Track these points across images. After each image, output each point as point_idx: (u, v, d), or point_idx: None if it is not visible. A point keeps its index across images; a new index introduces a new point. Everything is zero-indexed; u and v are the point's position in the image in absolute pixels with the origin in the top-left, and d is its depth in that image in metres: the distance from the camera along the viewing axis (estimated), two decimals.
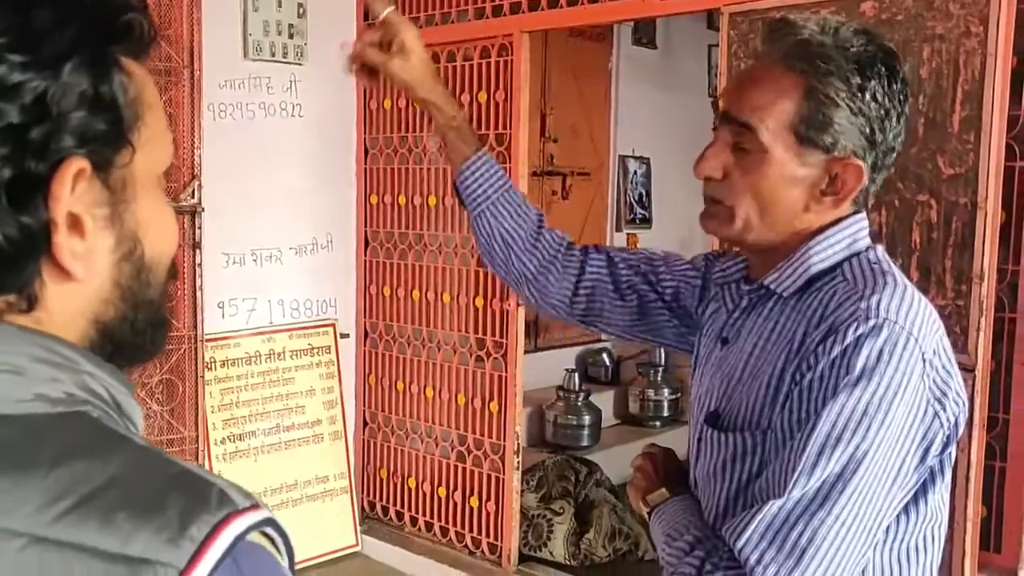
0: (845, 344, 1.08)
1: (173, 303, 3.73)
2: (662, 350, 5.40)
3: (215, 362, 3.94)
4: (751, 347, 1.22)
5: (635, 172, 6.28)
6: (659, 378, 5.57)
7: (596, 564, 4.02)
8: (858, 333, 1.08)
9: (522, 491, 4.03)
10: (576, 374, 5.23)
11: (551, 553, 4.02)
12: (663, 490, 1.33)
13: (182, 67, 3.67)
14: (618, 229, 6.25)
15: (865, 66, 1.15)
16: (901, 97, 1.18)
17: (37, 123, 0.59)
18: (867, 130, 1.16)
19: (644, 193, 6.37)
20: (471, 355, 4.02)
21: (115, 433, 0.63)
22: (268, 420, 4.12)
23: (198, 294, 3.75)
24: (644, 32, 6.16)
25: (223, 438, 3.97)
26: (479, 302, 3.96)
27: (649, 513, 1.34)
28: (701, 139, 3.32)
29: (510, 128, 3.80)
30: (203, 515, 0.58)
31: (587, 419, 5.08)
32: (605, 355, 5.88)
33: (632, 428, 5.57)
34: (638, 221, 6.33)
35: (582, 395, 5.13)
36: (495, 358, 3.92)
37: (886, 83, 1.16)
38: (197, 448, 3.81)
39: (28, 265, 0.62)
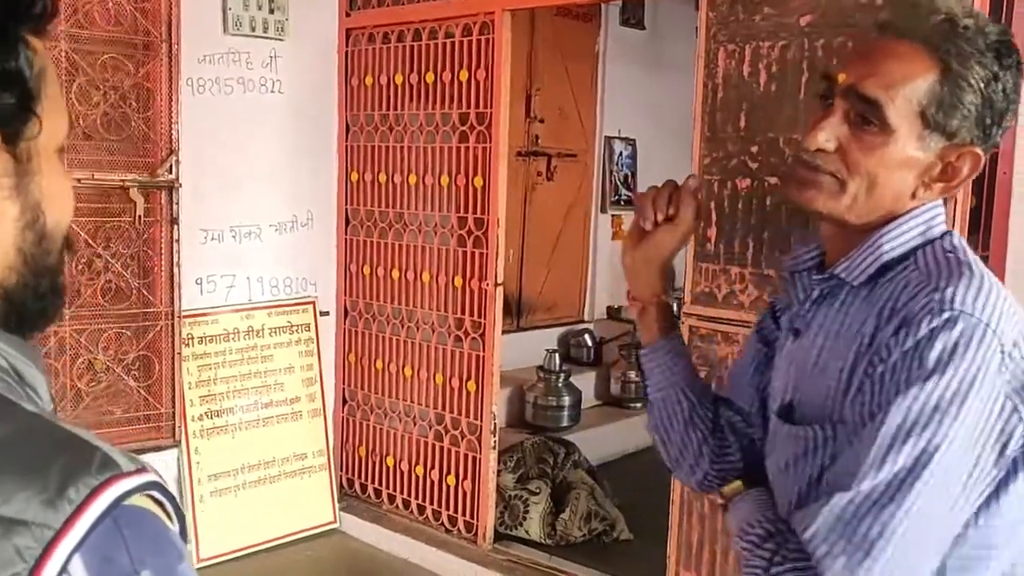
0: (919, 337, 1.05)
1: (150, 279, 3.72)
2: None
3: (192, 339, 3.93)
4: (822, 339, 1.20)
5: (621, 153, 6.27)
6: None
7: (571, 544, 4.04)
8: (932, 325, 1.05)
9: (499, 471, 4.04)
10: (557, 355, 5.23)
11: (527, 532, 4.03)
12: (739, 483, 1.32)
13: (160, 41, 3.64)
14: (603, 211, 6.24)
15: (1003, 55, 1.11)
16: (1018, 93, 1.14)
17: None
18: (988, 120, 1.13)
19: (630, 175, 6.35)
20: (449, 335, 4.01)
21: (6, 400, 0.63)
22: (246, 397, 4.12)
23: (175, 270, 3.73)
24: (632, 12, 6.13)
25: (200, 414, 3.96)
26: (458, 282, 3.96)
27: (725, 505, 1.33)
28: (688, 121, 3.29)
29: (491, 107, 3.78)
30: (84, 477, 0.58)
31: (567, 400, 5.09)
32: (587, 336, 5.89)
33: (612, 409, 5.58)
34: (623, 203, 6.32)
35: (562, 376, 5.14)
36: (473, 338, 3.92)
37: (1016, 75, 1.12)
38: (174, 424, 3.81)
39: None
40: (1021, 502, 1.11)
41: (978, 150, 1.14)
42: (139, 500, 0.61)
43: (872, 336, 1.11)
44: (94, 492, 0.58)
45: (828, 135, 1.16)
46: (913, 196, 1.16)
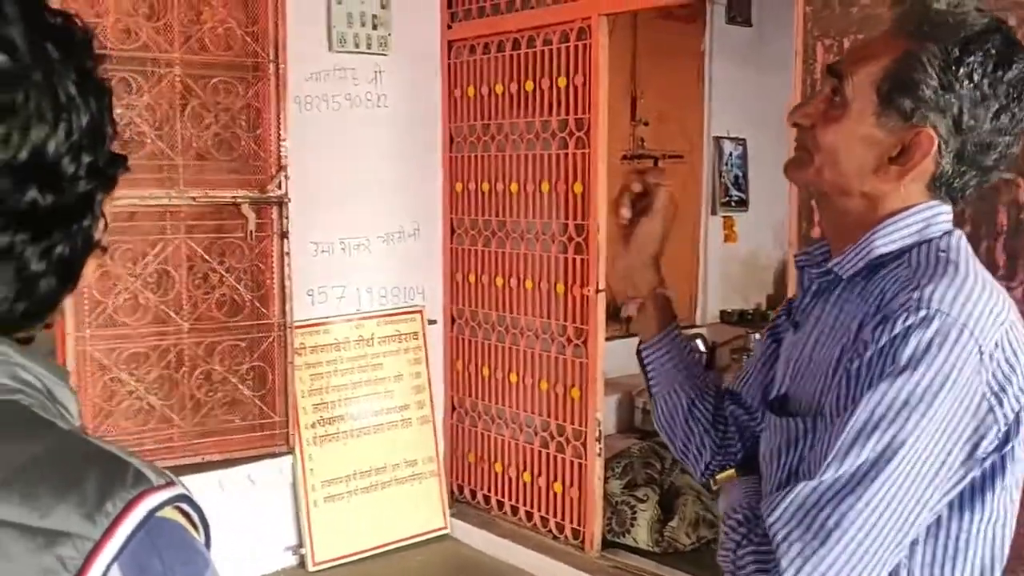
0: (894, 333, 1.05)
1: (263, 292, 3.86)
2: (757, 335, 5.28)
3: (305, 348, 4.06)
4: (816, 333, 1.21)
5: (730, 154, 6.15)
6: None
7: (680, 552, 3.98)
8: (907, 323, 1.05)
9: (607, 477, 4.01)
10: None
11: (635, 540, 3.99)
12: (732, 471, 1.35)
13: (268, 61, 3.78)
14: (713, 212, 6.14)
15: (971, 41, 1.10)
16: (1011, 91, 1.11)
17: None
18: (955, 110, 1.11)
19: (740, 175, 6.23)
20: (553, 341, 4.02)
21: (42, 419, 0.67)
22: (357, 404, 4.22)
23: (287, 282, 3.86)
24: (738, 10, 6.02)
25: (313, 422, 4.08)
26: (560, 288, 3.96)
27: (717, 491, 1.36)
28: None
29: (590, 113, 3.77)
30: (119, 491, 0.62)
31: None
32: (699, 341, 5.78)
33: None
34: (734, 204, 6.20)
35: None
36: (576, 344, 3.92)
37: (991, 67, 1.10)
38: (288, 433, 3.93)
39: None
40: (1001, 511, 1.13)
41: (930, 130, 1.11)
42: (169, 512, 0.65)
43: (857, 331, 1.12)
44: (129, 505, 0.62)
45: (805, 112, 1.22)
46: (875, 173, 1.16)
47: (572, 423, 3.95)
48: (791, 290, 3.16)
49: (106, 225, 0.73)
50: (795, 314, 1.29)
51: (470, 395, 4.46)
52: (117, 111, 0.72)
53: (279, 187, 3.83)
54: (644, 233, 1.42)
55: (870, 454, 1.05)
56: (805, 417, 1.18)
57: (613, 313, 4.61)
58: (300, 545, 4.04)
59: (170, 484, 0.65)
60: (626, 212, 1.42)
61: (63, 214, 0.68)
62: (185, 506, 0.66)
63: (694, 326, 6.03)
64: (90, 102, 0.68)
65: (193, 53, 3.65)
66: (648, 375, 1.50)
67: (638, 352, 1.51)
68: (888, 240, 1.16)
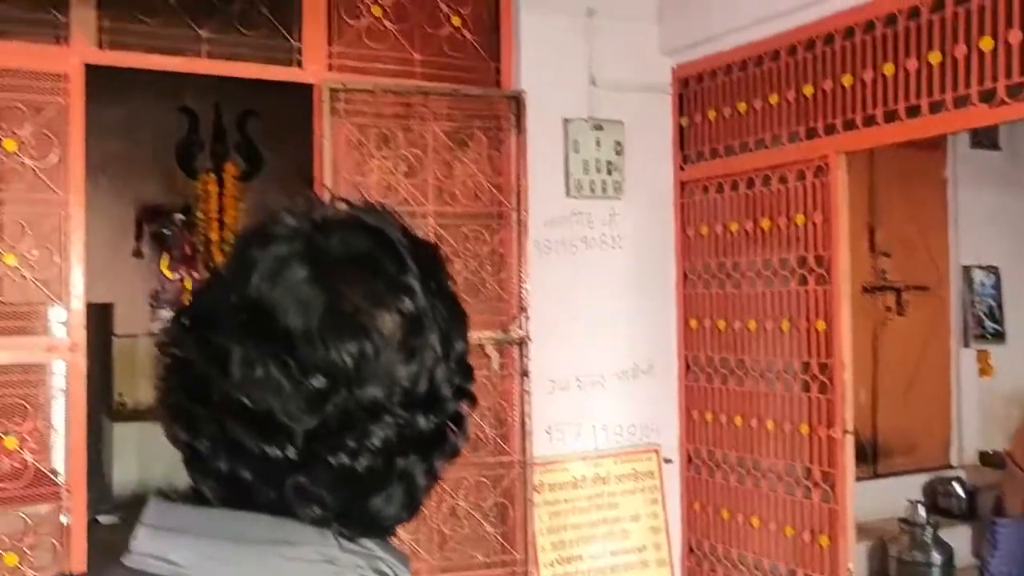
0: None
1: (504, 429, 3.97)
2: None
3: (544, 485, 4.11)
4: None
5: (982, 283, 5.79)
6: None
7: None
8: None
9: None
10: (922, 506, 4.80)
11: None
12: None
13: (511, 210, 4.01)
14: (966, 345, 5.76)
15: None
16: None
17: None
18: None
19: (994, 305, 5.83)
20: (798, 484, 3.86)
21: None
22: (595, 544, 4.19)
23: (527, 421, 3.97)
24: (984, 134, 5.76)
25: (552, 560, 4.09)
26: (804, 429, 3.82)
27: None
28: None
29: (830, 249, 3.70)
30: None
31: (937, 558, 4.61)
32: (957, 484, 5.35)
33: None
34: (989, 336, 5.79)
35: (930, 529, 4.68)
36: (823, 489, 3.73)
37: None
38: (527, 571, 3.96)
39: None
40: None
41: None
42: None
43: None
44: None
45: None
46: None
47: (821, 573, 3.72)
48: None
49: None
50: None
51: (708, 538, 4.32)
52: None
53: (520, 327, 3.98)
54: None
55: None
56: None
57: (860, 453, 4.38)
58: None
59: None
60: None
61: (440, 431, 0.76)
62: None
63: (949, 467, 5.59)
64: (462, 328, 0.77)
65: (445, 204, 3.94)
66: (993, 553, 1.39)
67: (991, 525, 1.40)
68: None
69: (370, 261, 0.73)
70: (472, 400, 0.79)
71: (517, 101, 4.06)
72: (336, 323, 0.70)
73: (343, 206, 0.78)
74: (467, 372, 0.78)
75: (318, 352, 0.69)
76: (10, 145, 3.32)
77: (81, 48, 3.48)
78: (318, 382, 0.68)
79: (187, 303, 0.76)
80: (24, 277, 3.34)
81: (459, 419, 0.78)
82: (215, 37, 3.68)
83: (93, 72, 3.48)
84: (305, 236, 0.73)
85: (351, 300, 0.71)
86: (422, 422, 0.73)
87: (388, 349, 0.71)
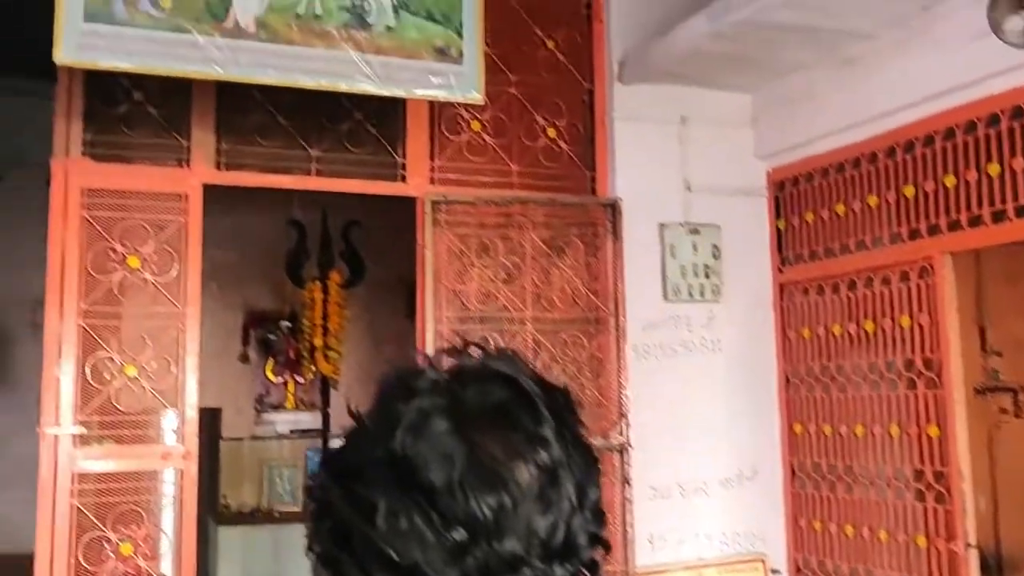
0: None
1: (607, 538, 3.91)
2: None
3: None
4: None
5: None
6: None
7: None
8: None
9: None
10: None
11: None
12: None
13: (608, 315, 4.03)
14: None
15: None
16: None
17: None
18: None
19: None
20: None
21: None
22: None
23: (628, 530, 3.90)
24: None
25: None
26: (921, 541, 3.65)
27: None
28: None
29: (938, 352, 3.60)
30: None
31: None
32: None
33: None
34: None
35: None
36: None
37: None
38: None
39: None
40: None
41: None
42: None
43: None
44: None
45: None
46: None
47: None
48: None
49: None
50: None
51: None
52: None
53: (621, 434, 3.95)
54: None
55: None
56: None
57: (984, 567, 4.15)
58: None
59: None
60: None
61: None
62: None
63: None
64: (595, 476, 0.79)
65: (543, 310, 3.98)
66: None
67: None
68: None
69: (507, 413, 0.76)
70: (607, 547, 0.79)
71: (613, 208, 4.12)
72: (476, 476, 0.72)
73: (476, 352, 0.81)
74: (601, 519, 0.79)
75: (459, 504, 0.71)
76: (134, 262, 3.52)
77: (201, 170, 3.69)
78: (459, 535, 0.70)
79: (333, 451, 0.79)
80: (143, 388, 3.49)
81: (594, 567, 0.78)
82: (324, 155, 3.87)
83: (209, 188, 3.69)
84: (445, 389, 0.76)
85: (490, 452, 0.73)
86: (559, 572, 0.74)
87: (526, 501, 0.73)
